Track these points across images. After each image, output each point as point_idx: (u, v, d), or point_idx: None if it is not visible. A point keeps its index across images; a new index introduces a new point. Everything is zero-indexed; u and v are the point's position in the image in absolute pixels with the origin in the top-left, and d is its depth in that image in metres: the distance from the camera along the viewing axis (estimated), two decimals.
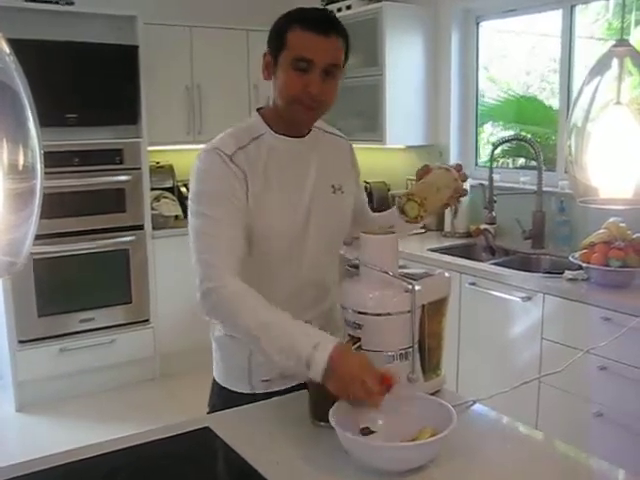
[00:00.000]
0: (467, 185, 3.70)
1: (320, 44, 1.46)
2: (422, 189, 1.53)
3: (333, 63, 1.48)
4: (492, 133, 4.18)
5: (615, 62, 1.28)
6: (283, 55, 1.48)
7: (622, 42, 1.29)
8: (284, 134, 1.58)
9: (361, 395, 1.27)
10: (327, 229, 1.63)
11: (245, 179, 1.50)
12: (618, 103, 1.30)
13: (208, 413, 1.68)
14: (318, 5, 4.18)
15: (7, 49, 0.67)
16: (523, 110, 4.08)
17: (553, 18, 3.46)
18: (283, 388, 1.60)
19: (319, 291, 1.67)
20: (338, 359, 1.29)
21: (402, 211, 1.50)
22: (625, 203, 1.41)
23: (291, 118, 1.54)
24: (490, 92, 4.08)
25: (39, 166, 0.69)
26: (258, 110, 1.62)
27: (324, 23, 1.48)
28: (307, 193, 1.59)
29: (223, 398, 1.67)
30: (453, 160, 3.96)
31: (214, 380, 1.73)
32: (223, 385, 1.69)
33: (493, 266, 3.09)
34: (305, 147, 1.61)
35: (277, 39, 1.49)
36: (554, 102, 3.63)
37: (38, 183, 0.69)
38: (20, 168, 0.68)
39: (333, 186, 1.64)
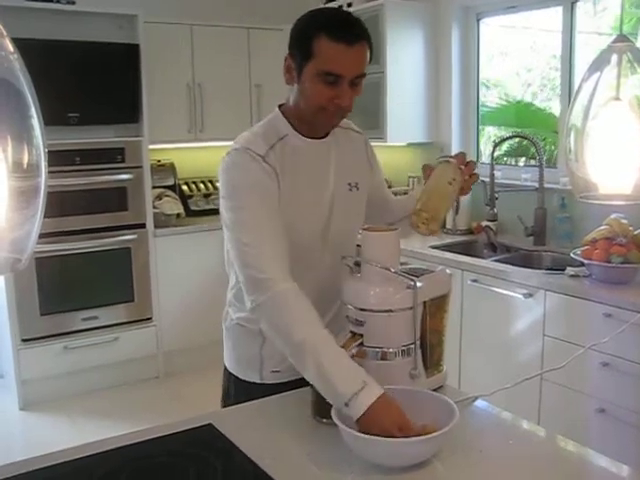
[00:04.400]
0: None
1: (349, 57, 1.42)
2: (427, 200, 1.52)
3: (360, 74, 1.46)
4: (494, 134, 4.17)
5: (614, 58, 1.28)
6: (309, 65, 1.44)
7: (621, 38, 1.29)
8: (306, 135, 1.58)
9: None
10: (346, 226, 1.64)
11: (277, 178, 1.50)
12: (617, 99, 1.31)
13: (222, 400, 1.74)
14: (319, 3, 4.18)
15: (12, 48, 0.67)
16: (521, 115, 4.09)
17: (555, 14, 3.46)
18: (292, 379, 1.59)
19: (333, 287, 1.63)
20: (378, 409, 1.26)
21: (417, 226, 1.52)
22: (624, 199, 1.41)
23: (315, 123, 1.55)
24: (489, 96, 4.08)
25: (43, 164, 0.70)
26: (280, 107, 1.60)
27: (351, 31, 1.43)
28: (329, 192, 1.61)
29: (234, 386, 1.72)
30: None
31: (225, 368, 1.76)
32: (234, 373, 1.73)
33: (495, 263, 3.09)
34: (326, 147, 1.62)
35: (301, 46, 1.45)
36: (553, 105, 3.63)
37: (42, 181, 0.70)
38: (25, 166, 0.68)
39: (349, 184, 1.65)
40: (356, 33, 1.44)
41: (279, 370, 1.65)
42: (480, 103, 4.00)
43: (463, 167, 1.56)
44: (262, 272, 1.41)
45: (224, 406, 1.73)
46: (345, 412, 1.28)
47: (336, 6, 4.08)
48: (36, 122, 0.68)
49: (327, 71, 1.42)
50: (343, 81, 1.43)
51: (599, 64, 1.32)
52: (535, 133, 3.90)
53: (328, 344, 1.35)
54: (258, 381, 1.68)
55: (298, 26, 1.49)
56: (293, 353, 1.39)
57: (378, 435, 1.22)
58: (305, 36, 1.44)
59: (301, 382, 1.47)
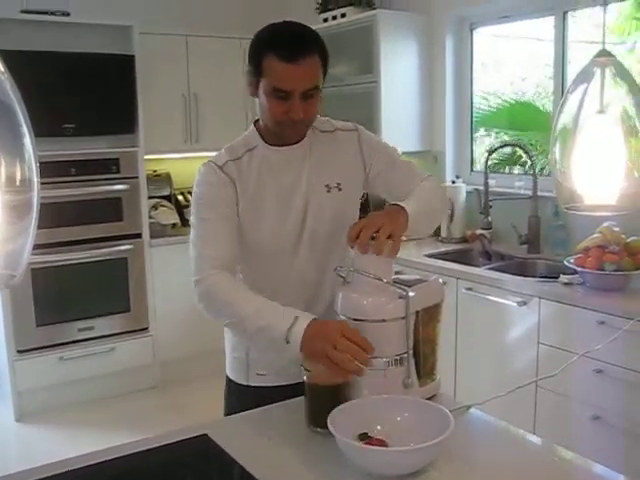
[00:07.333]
0: (463, 191, 3.74)
1: (296, 73, 1.48)
2: None
3: (311, 87, 1.50)
4: (489, 143, 4.19)
5: (598, 72, 1.31)
6: (262, 82, 1.52)
7: (604, 52, 1.32)
8: (276, 144, 1.64)
9: (343, 349, 1.33)
10: (324, 228, 1.66)
11: (234, 186, 1.60)
12: (601, 112, 1.33)
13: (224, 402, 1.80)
14: (313, 14, 4.21)
15: (2, 68, 0.69)
16: (517, 116, 4.10)
17: (548, 23, 3.48)
18: (276, 385, 1.65)
19: (316, 290, 1.69)
20: (315, 327, 1.38)
21: None
22: (609, 210, 1.43)
23: (280, 134, 1.61)
24: (484, 100, 4.10)
25: (35, 179, 0.71)
26: (255, 123, 1.69)
27: (297, 49, 1.47)
28: (301, 197, 1.64)
29: (229, 388, 1.79)
30: (449, 165, 3.98)
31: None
32: (229, 375, 1.79)
33: (489, 271, 3.10)
34: (297, 153, 1.65)
35: (254, 64, 1.53)
36: (549, 106, 3.64)
37: (35, 195, 0.71)
38: (17, 182, 0.69)
39: (327, 185, 1.66)
40: (303, 49, 1.48)
41: (264, 374, 1.70)
42: (474, 108, 4.02)
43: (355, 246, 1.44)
44: (200, 273, 1.54)
45: (225, 408, 1.78)
46: (290, 349, 1.38)
47: (330, 17, 4.11)
48: (27, 139, 0.70)
49: (276, 88, 1.50)
50: (293, 96, 1.49)
51: (583, 77, 1.34)
52: (532, 139, 3.92)
53: (257, 304, 1.46)
54: (245, 383, 1.73)
55: (252, 44, 1.56)
56: (235, 327, 1.53)
57: (323, 350, 1.32)
58: (256, 55, 1.53)
59: (287, 387, 1.49)
